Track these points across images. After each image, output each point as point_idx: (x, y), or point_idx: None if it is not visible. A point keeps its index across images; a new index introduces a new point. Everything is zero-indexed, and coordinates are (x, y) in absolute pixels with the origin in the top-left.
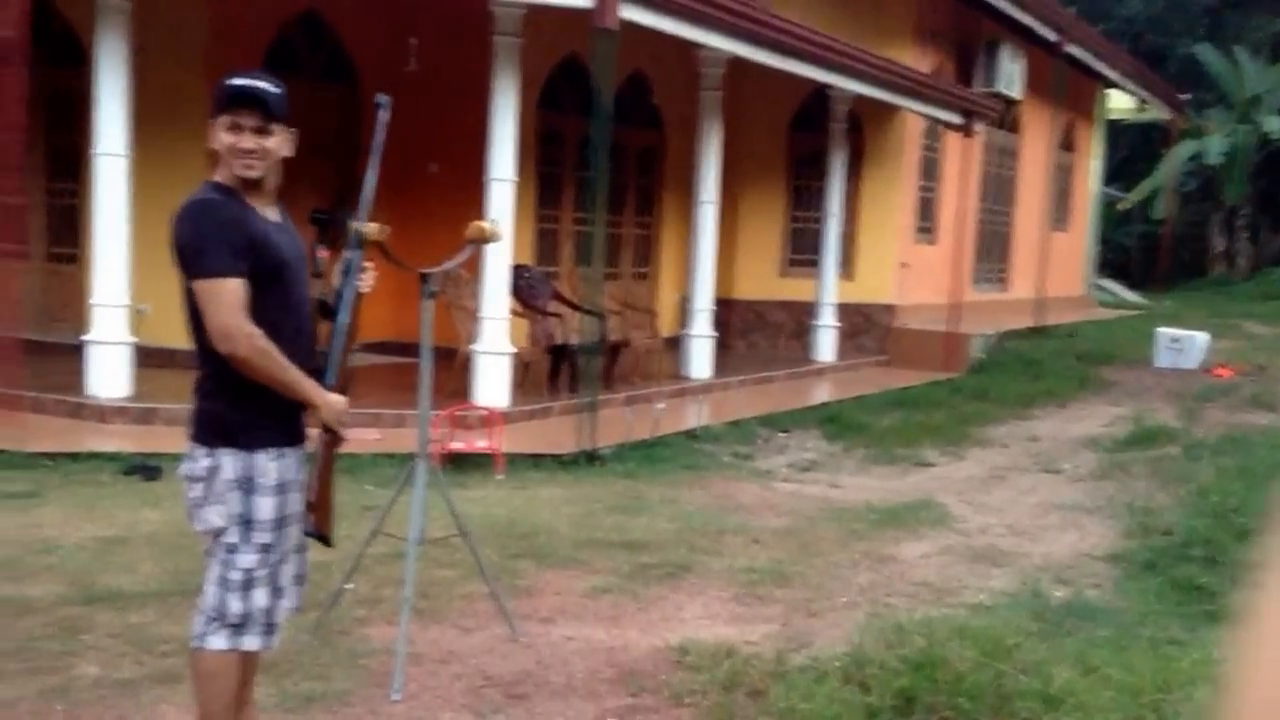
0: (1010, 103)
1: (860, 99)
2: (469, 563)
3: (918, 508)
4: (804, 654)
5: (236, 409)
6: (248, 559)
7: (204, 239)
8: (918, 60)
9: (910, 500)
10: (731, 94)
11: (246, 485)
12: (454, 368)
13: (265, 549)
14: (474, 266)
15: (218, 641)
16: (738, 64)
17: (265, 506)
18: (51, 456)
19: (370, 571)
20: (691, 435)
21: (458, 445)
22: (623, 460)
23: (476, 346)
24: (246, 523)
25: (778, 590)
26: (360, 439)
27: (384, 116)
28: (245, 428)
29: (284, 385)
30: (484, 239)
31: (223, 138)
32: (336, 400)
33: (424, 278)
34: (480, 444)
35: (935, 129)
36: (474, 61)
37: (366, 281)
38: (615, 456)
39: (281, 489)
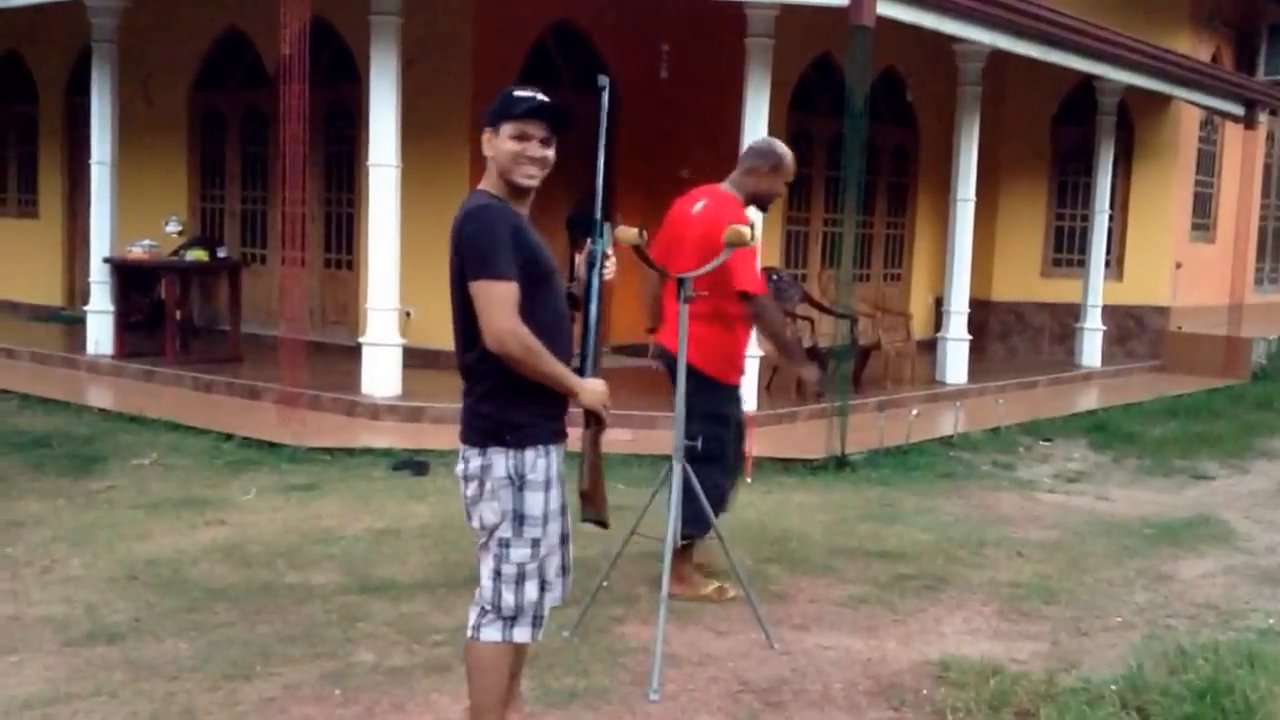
0: None
1: (1130, 90)
2: (721, 565)
3: (1197, 523)
4: (1075, 675)
5: (507, 410)
6: (520, 553)
7: (490, 241)
8: (1194, 47)
9: (1188, 515)
10: (991, 87)
11: (518, 482)
12: None
13: (535, 543)
14: None
15: (491, 633)
16: (998, 56)
17: (535, 502)
18: (329, 451)
19: (624, 570)
20: (947, 442)
21: None
22: (875, 466)
23: None
24: (519, 518)
25: (1045, 607)
26: (612, 439)
27: (604, 99)
28: (515, 428)
29: (549, 378)
30: (740, 242)
31: (508, 145)
32: (597, 385)
33: (680, 282)
34: None
35: (1213, 120)
36: (725, 65)
37: (609, 270)
38: (867, 462)
39: (548, 485)
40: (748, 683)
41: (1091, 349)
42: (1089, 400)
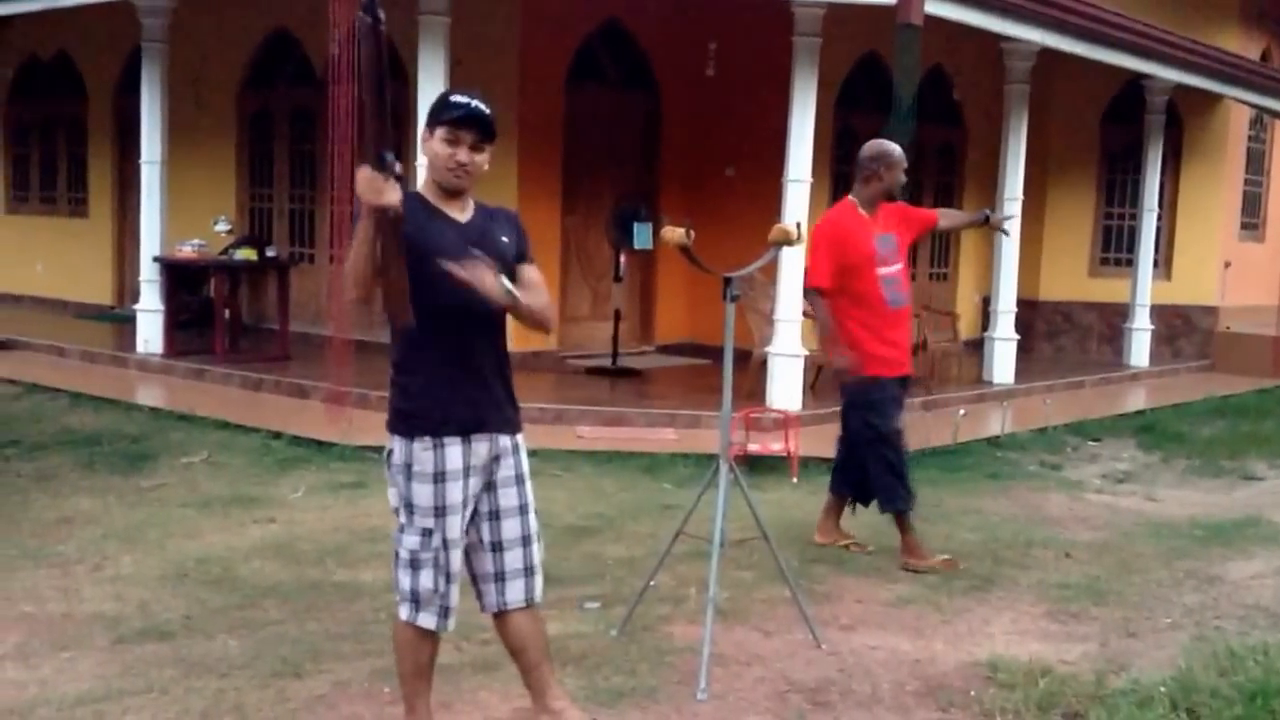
0: None
1: (1179, 88)
2: (767, 565)
3: (1246, 524)
4: (1125, 676)
5: (399, 399)
6: (410, 540)
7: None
8: (1243, 45)
9: (1237, 516)
10: (1038, 86)
11: (406, 471)
12: (749, 370)
13: (426, 533)
14: (770, 269)
15: (401, 612)
16: (1046, 55)
17: (422, 493)
18: (375, 449)
19: (671, 569)
20: (994, 442)
21: (753, 447)
22: (921, 467)
23: (770, 349)
24: (409, 506)
25: (1093, 608)
26: (657, 439)
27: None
28: (405, 417)
29: (370, 241)
30: (787, 241)
31: (439, 148)
32: (359, 175)
33: (727, 281)
34: (775, 446)
35: (1262, 119)
36: (772, 63)
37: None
38: (913, 463)
39: (441, 478)
40: (795, 683)
41: (1139, 349)
42: (1137, 400)
